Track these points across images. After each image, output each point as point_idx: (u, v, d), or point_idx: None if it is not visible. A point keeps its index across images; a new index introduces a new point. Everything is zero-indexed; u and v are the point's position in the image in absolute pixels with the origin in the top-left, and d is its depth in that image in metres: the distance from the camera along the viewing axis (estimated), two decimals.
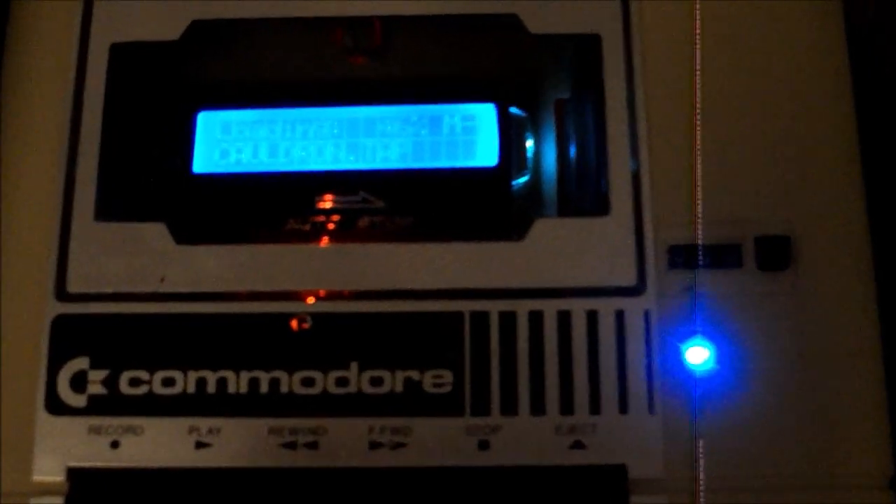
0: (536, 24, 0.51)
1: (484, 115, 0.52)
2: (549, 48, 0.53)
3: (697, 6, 0.52)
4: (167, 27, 0.52)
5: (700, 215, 0.49)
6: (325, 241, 0.49)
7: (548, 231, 0.49)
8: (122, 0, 0.52)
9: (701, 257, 0.49)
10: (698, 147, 0.50)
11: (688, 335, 0.48)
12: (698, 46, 0.51)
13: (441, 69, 0.54)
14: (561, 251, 0.48)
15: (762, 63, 0.51)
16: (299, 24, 0.53)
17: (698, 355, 0.47)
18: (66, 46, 0.52)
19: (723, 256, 0.49)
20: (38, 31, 0.52)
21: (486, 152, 0.52)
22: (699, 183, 0.50)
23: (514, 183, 0.52)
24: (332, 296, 0.48)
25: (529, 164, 0.52)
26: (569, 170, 0.52)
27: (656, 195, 0.50)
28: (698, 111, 0.51)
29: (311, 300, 0.48)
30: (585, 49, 0.52)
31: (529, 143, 0.53)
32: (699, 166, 0.50)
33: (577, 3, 0.52)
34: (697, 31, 0.52)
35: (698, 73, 0.51)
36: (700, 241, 0.49)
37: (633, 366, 0.47)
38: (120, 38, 0.52)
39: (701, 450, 0.46)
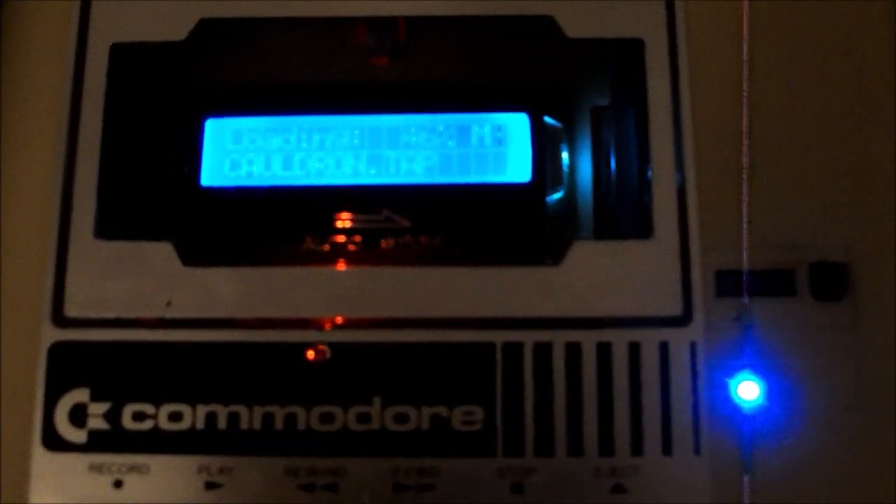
0: (574, 27, 0.48)
1: (516, 126, 0.48)
2: (586, 53, 0.49)
3: (746, 10, 0.48)
4: (173, 26, 0.48)
5: (748, 238, 0.46)
6: (344, 263, 0.46)
7: (586, 255, 0.45)
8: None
9: (750, 284, 0.45)
10: (746, 162, 0.47)
11: (736, 369, 0.44)
12: (746, 53, 0.47)
13: (469, 74, 0.50)
14: (600, 277, 0.45)
15: (817, 72, 0.47)
16: (316, 23, 0.49)
17: (748, 391, 0.44)
18: (62, 47, 0.48)
19: (774, 284, 0.45)
20: (32, 31, 0.48)
21: (518, 167, 0.48)
22: (746, 200, 0.46)
23: (548, 199, 0.48)
24: (353, 324, 0.44)
25: (565, 178, 0.48)
26: (607, 184, 0.48)
27: (703, 214, 0.46)
28: (746, 123, 0.47)
29: (329, 328, 0.44)
30: (626, 54, 0.48)
31: (564, 155, 0.49)
32: (746, 183, 0.46)
33: (619, 6, 0.48)
34: (746, 37, 0.48)
35: (746, 81, 0.47)
36: (748, 267, 0.45)
37: (677, 403, 0.44)
38: (121, 38, 0.48)
39: (749, 493, 0.43)
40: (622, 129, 0.49)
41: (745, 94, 0.47)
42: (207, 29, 0.48)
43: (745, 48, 0.47)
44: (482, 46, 0.50)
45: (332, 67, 0.51)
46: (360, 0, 0.48)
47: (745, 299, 0.45)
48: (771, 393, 0.44)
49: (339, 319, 0.44)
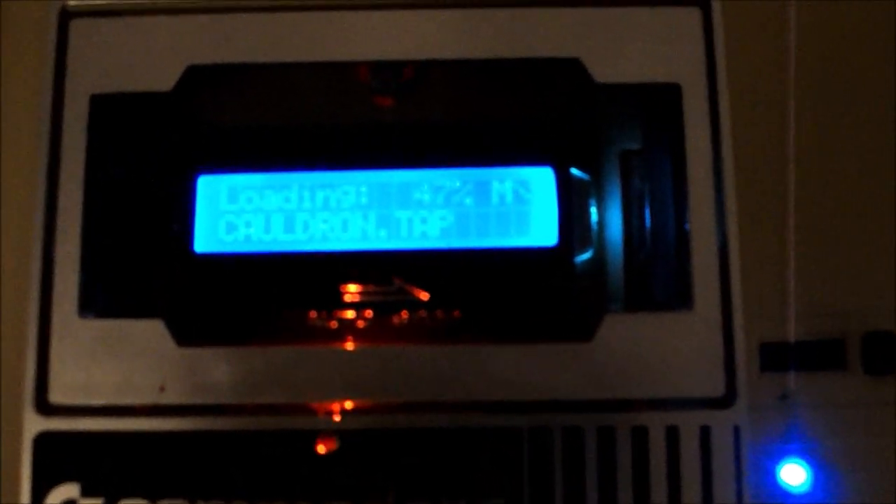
0: (603, 71, 0.43)
1: (540, 181, 0.44)
2: (615, 98, 0.44)
3: (792, 53, 0.43)
4: (158, 74, 0.43)
5: (794, 306, 0.42)
6: (353, 341, 0.42)
7: (619, 329, 0.41)
8: (103, 44, 0.43)
9: (797, 357, 0.42)
10: (791, 221, 0.43)
11: (782, 453, 0.41)
12: (793, 101, 0.43)
13: (485, 119, 0.45)
14: (635, 354, 0.41)
15: (870, 123, 0.43)
16: (314, 64, 0.44)
17: (794, 476, 0.41)
18: (37, 100, 0.43)
19: (823, 356, 0.42)
20: (3, 80, 0.43)
21: (543, 228, 0.44)
22: (791, 265, 0.42)
23: (576, 260, 0.44)
24: (364, 409, 0.41)
25: (594, 236, 0.44)
26: (640, 241, 0.44)
27: (745, 279, 0.42)
28: (792, 178, 0.43)
29: (338, 415, 0.41)
30: (660, 99, 0.43)
31: (592, 210, 0.45)
32: (792, 245, 0.43)
33: (651, 47, 0.43)
34: (792, 81, 0.43)
35: (792, 131, 0.43)
36: (794, 338, 0.42)
37: (719, 491, 0.41)
38: (102, 89, 0.43)
39: None
40: (656, 178, 0.45)
41: (791, 145, 0.43)
42: (196, 76, 0.43)
43: (791, 93, 0.43)
44: (499, 88, 0.45)
45: (333, 111, 0.46)
46: (361, 43, 0.44)
47: (792, 378, 0.41)
48: (818, 478, 0.41)
49: (348, 404, 0.41)
